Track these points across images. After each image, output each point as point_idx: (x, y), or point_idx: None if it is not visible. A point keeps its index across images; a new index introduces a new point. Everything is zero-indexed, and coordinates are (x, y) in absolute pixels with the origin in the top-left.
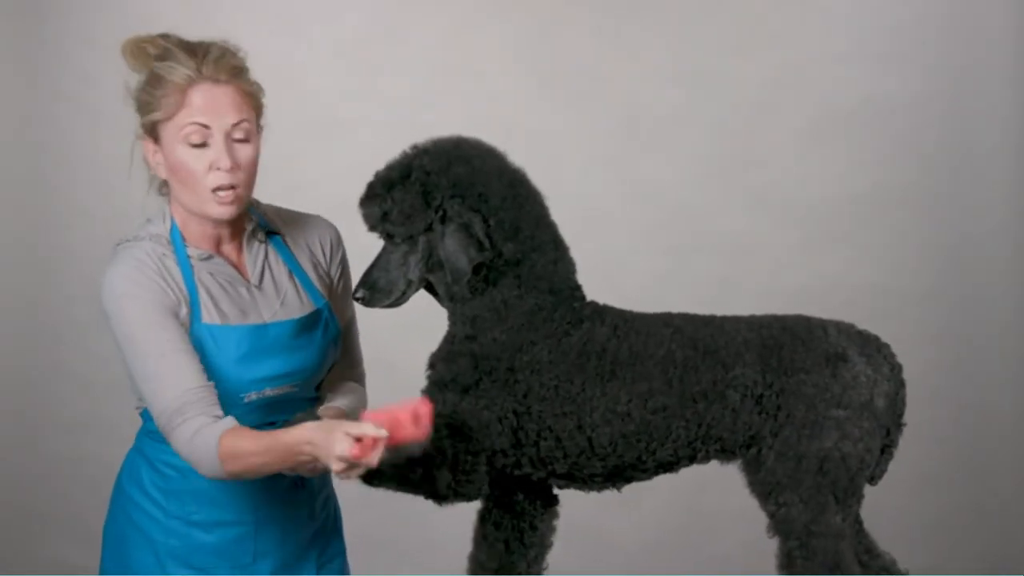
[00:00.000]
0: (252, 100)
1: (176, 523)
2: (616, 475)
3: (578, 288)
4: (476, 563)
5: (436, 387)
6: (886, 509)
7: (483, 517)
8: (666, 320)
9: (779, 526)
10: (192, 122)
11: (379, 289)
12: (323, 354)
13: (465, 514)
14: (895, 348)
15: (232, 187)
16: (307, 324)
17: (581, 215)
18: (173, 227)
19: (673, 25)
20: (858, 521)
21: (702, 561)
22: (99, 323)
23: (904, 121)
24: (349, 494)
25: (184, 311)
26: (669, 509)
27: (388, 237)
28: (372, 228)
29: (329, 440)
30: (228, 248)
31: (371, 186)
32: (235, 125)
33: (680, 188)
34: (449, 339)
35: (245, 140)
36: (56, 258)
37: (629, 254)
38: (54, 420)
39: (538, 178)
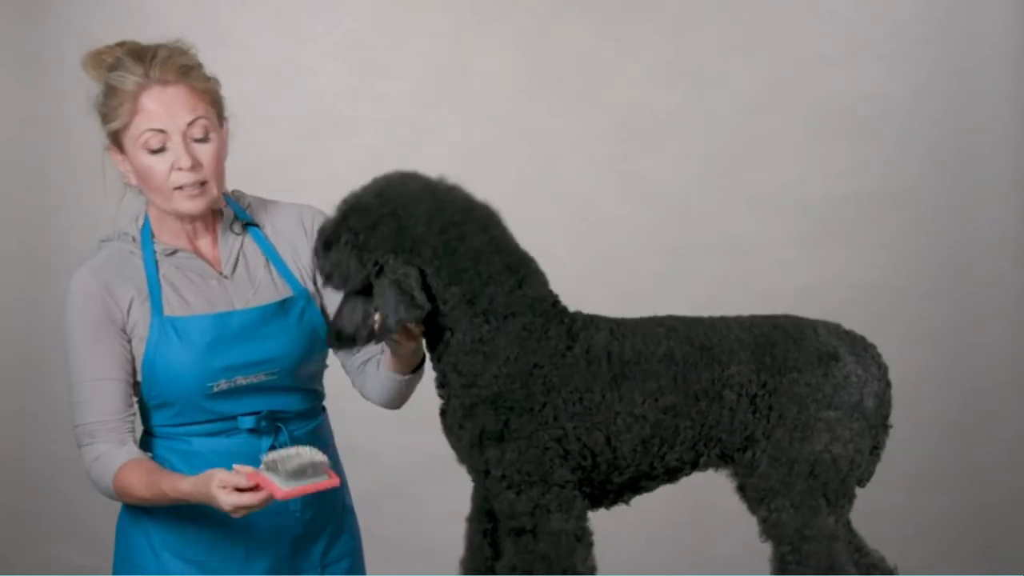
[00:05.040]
0: (207, 96)
1: (168, 516)
2: (628, 487)
3: (557, 301)
4: (464, 567)
5: (474, 448)
6: (884, 509)
7: (470, 521)
8: (657, 321)
9: (771, 531)
10: (148, 128)
11: (344, 338)
12: (298, 342)
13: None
14: (895, 348)
15: (198, 183)
16: (278, 311)
17: (581, 215)
18: (145, 225)
19: (673, 25)
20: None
21: (702, 561)
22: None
23: (904, 121)
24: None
25: (139, 313)
26: (669, 509)
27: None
28: (323, 284)
29: (209, 497)
30: (204, 242)
31: (314, 246)
32: (190, 124)
33: (680, 188)
34: (452, 395)
35: (203, 138)
36: (56, 258)
37: (629, 254)
38: (54, 420)
39: (538, 178)
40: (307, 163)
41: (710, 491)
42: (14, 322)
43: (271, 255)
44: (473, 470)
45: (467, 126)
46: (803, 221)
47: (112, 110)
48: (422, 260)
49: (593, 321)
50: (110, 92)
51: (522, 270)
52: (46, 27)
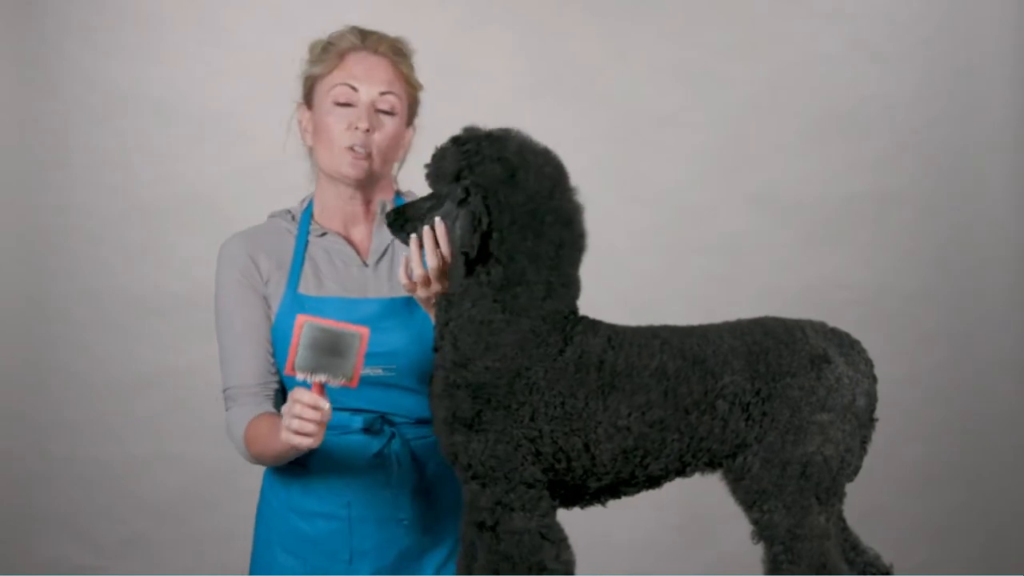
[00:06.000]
0: (405, 83)
1: (282, 508)
2: (605, 491)
3: (571, 313)
4: (459, 565)
5: (445, 427)
6: (883, 508)
7: (463, 515)
8: (653, 332)
9: (763, 532)
10: (342, 83)
11: (402, 219)
12: (421, 341)
13: None
14: (894, 347)
15: (366, 151)
16: (404, 307)
17: None
18: (308, 206)
19: (673, 26)
20: (841, 519)
21: (701, 561)
22: (98, 323)
23: (903, 121)
24: None
25: (276, 285)
26: (669, 509)
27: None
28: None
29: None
30: (358, 230)
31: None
32: (382, 94)
33: (680, 188)
34: (440, 364)
35: (389, 112)
36: (56, 258)
37: (629, 254)
38: (54, 420)
39: None
40: (307, 162)
41: (708, 493)
42: (14, 322)
43: None
44: (444, 452)
45: (469, 126)
46: (802, 221)
47: (318, 58)
48: (498, 219)
49: (592, 327)
50: (325, 47)
51: (559, 291)
52: (46, 27)
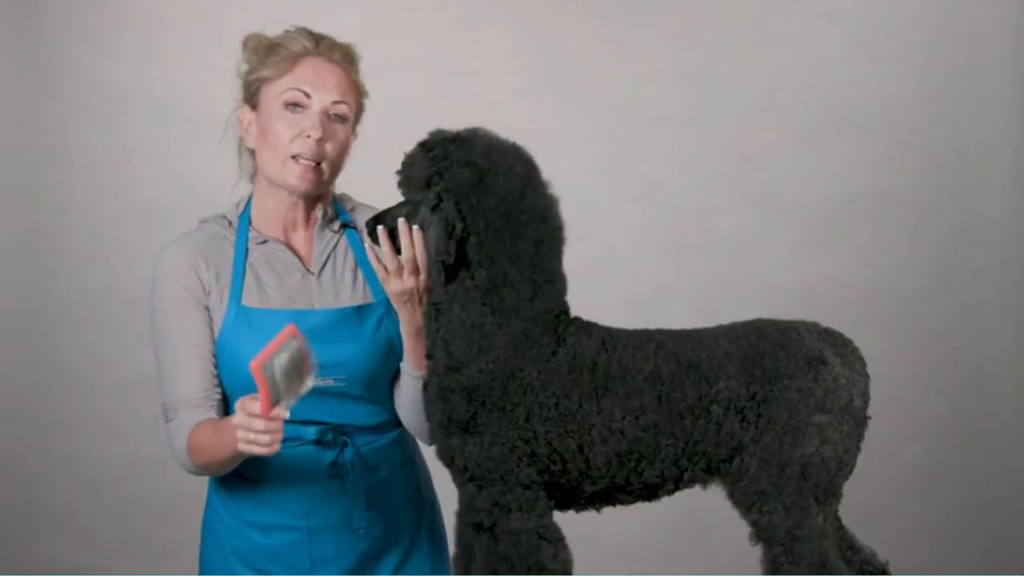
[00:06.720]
0: (356, 93)
1: (236, 522)
2: (600, 496)
3: (562, 312)
4: (456, 564)
5: (440, 430)
6: (884, 509)
7: (458, 516)
8: (648, 335)
9: (762, 533)
10: (295, 87)
11: (381, 223)
12: (371, 350)
13: None
14: (894, 347)
15: (315, 161)
16: (352, 316)
17: (581, 215)
18: (245, 210)
19: (674, 26)
20: (836, 518)
21: (702, 561)
22: (98, 323)
23: (903, 121)
24: None
25: (218, 297)
26: (669, 509)
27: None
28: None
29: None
30: (298, 236)
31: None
32: (335, 103)
33: (680, 188)
34: (434, 370)
35: (341, 121)
36: (56, 258)
37: (629, 254)
38: (54, 420)
39: None
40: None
41: (704, 494)
42: (14, 322)
43: (361, 260)
44: (439, 455)
45: (467, 126)
46: (803, 221)
47: (266, 61)
48: (472, 224)
49: (586, 329)
50: (272, 49)
51: (544, 289)
52: (46, 27)
